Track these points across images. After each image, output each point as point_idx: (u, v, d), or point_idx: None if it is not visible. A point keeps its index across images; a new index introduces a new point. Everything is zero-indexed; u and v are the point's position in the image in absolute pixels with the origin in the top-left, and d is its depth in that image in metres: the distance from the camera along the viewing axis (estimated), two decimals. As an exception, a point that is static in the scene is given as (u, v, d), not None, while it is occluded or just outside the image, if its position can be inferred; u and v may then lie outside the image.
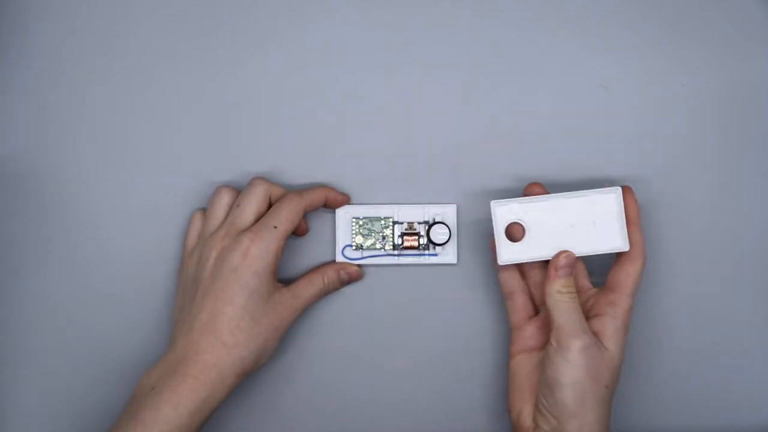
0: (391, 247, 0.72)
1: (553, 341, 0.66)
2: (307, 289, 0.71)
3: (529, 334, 0.70)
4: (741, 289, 0.74)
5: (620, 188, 0.70)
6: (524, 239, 0.70)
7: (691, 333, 0.74)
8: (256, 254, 0.67)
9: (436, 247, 0.73)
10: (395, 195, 0.74)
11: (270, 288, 0.68)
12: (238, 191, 0.72)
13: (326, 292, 0.72)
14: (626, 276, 0.68)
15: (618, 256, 0.69)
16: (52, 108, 0.75)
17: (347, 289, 0.74)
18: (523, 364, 0.69)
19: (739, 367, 0.74)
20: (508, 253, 0.70)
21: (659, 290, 0.74)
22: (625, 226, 0.69)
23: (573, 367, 0.65)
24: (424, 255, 0.73)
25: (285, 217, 0.69)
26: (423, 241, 0.73)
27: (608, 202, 0.70)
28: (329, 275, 0.72)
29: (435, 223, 0.72)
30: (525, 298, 0.71)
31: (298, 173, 0.74)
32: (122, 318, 0.74)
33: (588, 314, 0.68)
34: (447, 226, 0.72)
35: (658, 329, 0.74)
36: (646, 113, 0.74)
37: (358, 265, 0.73)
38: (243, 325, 0.67)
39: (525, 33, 0.74)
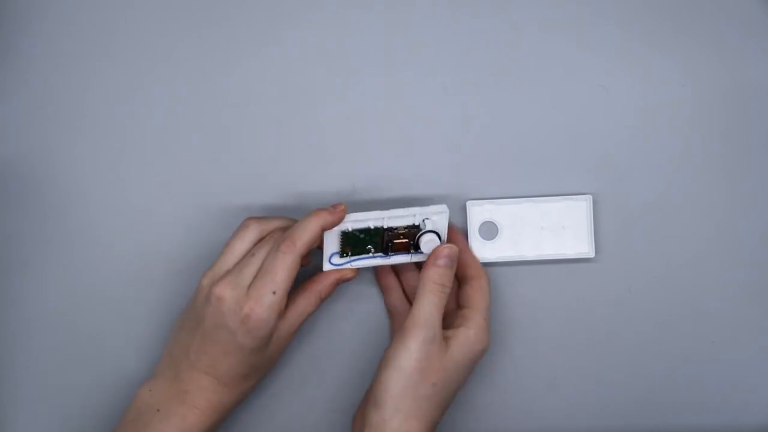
0: (380, 253, 0.70)
1: (402, 326, 0.67)
2: (301, 313, 0.69)
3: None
4: (741, 289, 0.74)
5: (590, 196, 0.73)
6: (496, 239, 0.73)
7: (691, 333, 0.74)
8: (254, 324, 0.66)
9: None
10: (395, 193, 0.74)
11: (270, 337, 0.68)
12: (267, 221, 0.70)
13: (322, 301, 0.71)
14: (473, 292, 0.70)
15: (462, 279, 0.71)
16: (52, 108, 0.75)
17: (338, 291, 0.73)
18: None
19: (739, 367, 0.74)
20: (479, 251, 0.73)
21: (659, 290, 0.74)
22: (592, 233, 0.73)
23: (406, 354, 0.66)
24: (413, 255, 0.71)
25: (281, 277, 0.66)
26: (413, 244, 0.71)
27: (579, 209, 0.73)
28: (325, 290, 0.70)
29: (425, 232, 0.70)
30: (400, 293, 0.73)
31: (297, 171, 0.74)
32: (122, 319, 0.74)
33: (445, 326, 0.69)
34: (437, 234, 0.70)
35: (659, 329, 0.74)
36: (646, 113, 0.74)
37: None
38: (243, 372, 0.68)
39: (524, 33, 0.74)
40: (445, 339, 0.68)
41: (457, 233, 0.72)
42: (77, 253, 0.74)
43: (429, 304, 0.67)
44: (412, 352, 0.66)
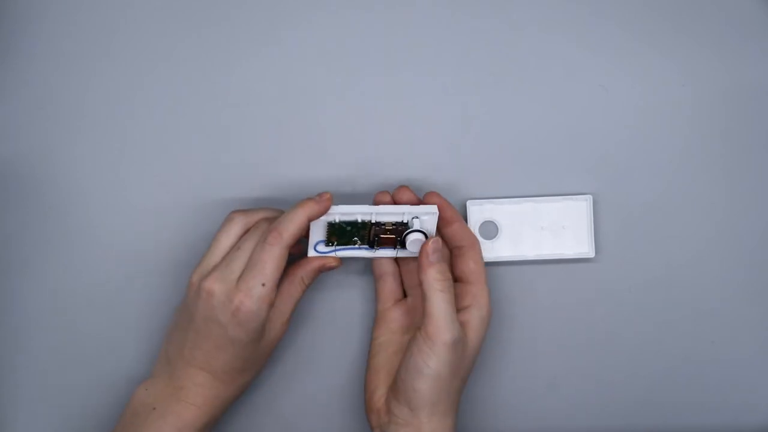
0: (366, 245, 0.70)
1: (423, 330, 0.66)
2: (289, 300, 0.70)
3: (394, 317, 0.72)
4: (741, 289, 0.74)
5: (590, 196, 0.73)
6: (496, 238, 0.73)
7: (691, 333, 0.74)
8: (245, 317, 0.66)
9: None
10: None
11: (262, 329, 0.68)
12: (252, 212, 0.70)
13: (306, 287, 0.71)
14: (475, 265, 0.70)
15: (457, 251, 0.70)
16: (52, 108, 0.75)
17: (330, 283, 0.74)
18: (385, 346, 0.71)
19: (739, 367, 0.74)
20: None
21: (659, 290, 0.74)
22: (592, 233, 0.73)
23: (438, 360, 0.66)
24: (399, 250, 0.70)
25: (269, 269, 0.66)
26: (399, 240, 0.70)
27: (579, 209, 0.73)
28: (307, 276, 0.70)
29: (412, 231, 0.69)
30: (394, 282, 0.72)
31: (297, 171, 0.74)
32: (122, 319, 0.74)
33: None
34: (424, 234, 0.69)
35: (659, 329, 0.74)
36: (646, 113, 0.74)
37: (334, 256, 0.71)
38: (238, 366, 0.68)
39: (524, 33, 0.74)
40: (464, 326, 0.68)
41: (447, 205, 0.70)
42: (77, 253, 0.74)
43: (443, 302, 0.66)
44: (443, 358, 0.66)
